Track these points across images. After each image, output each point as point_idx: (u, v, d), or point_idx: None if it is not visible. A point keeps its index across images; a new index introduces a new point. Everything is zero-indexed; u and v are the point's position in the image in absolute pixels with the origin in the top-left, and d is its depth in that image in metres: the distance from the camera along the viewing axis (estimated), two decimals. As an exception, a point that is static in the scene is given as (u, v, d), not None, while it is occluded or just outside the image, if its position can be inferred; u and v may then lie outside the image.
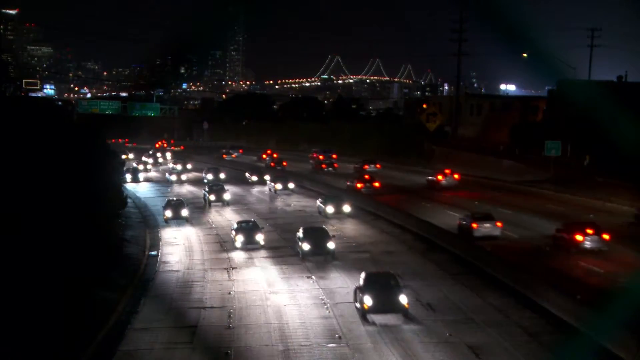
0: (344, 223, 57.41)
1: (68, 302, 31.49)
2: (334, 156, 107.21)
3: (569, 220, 48.96)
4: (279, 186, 77.05)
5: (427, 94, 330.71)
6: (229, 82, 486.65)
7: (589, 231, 42.74)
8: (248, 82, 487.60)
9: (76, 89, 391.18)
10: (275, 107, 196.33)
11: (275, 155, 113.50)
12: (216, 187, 72.63)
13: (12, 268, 28.67)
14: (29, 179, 32.51)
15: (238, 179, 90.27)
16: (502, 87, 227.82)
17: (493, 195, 67.75)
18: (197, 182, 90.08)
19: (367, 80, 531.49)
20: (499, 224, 48.59)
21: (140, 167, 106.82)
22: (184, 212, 61.31)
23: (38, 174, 33.02)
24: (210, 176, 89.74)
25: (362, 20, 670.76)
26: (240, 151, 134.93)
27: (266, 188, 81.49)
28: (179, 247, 50.68)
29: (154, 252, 48.47)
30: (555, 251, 43.60)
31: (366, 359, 27.84)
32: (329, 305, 34.86)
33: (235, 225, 50.14)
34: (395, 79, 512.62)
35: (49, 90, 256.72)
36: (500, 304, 34.13)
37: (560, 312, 30.49)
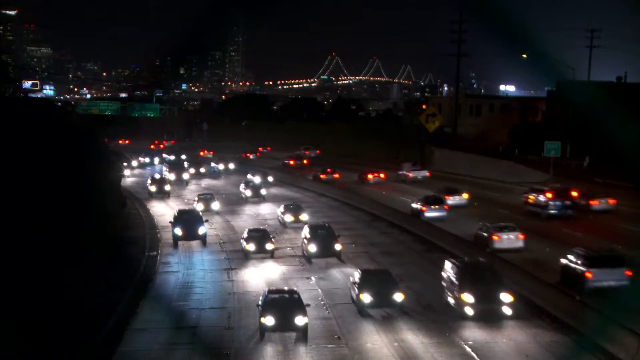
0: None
1: (67, 303, 31.49)
2: (318, 151, 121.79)
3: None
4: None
5: (426, 94, 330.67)
6: (229, 83, 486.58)
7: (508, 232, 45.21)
8: (248, 83, 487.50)
9: (76, 89, 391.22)
10: (274, 107, 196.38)
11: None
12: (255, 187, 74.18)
13: (11, 268, 28.67)
14: (26, 180, 32.51)
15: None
16: (502, 87, 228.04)
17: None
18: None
19: (366, 81, 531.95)
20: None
21: (127, 172, 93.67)
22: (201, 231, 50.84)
23: (35, 175, 33.03)
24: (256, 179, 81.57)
25: (362, 21, 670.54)
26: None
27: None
28: (178, 247, 50.58)
29: (153, 253, 48.42)
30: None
31: (366, 360, 27.87)
32: (328, 306, 34.88)
33: (246, 235, 46.73)
34: (395, 80, 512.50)
35: (49, 91, 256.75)
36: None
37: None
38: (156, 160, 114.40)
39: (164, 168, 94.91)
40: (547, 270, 38.04)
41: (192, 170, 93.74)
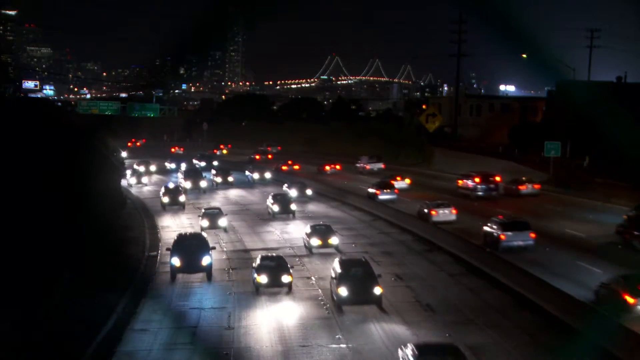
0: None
1: (67, 303, 31.50)
2: (279, 147, 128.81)
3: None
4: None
5: (426, 94, 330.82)
6: (229, 83, 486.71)
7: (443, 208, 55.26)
8: (247, 83, 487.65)
9: (76, 89, 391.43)
10: (274, 107, 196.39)
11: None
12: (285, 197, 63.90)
13: (10, 268, 28.68)
14: (25, 180, 32.50)
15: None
16: (502, 87, 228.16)
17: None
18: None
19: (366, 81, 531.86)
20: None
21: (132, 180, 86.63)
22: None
23: (34, 175, 33.02)
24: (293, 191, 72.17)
25: (362, 21, 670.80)
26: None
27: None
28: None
29: (153, 253, 48.42)
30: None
31: (365, 360, 27.56)
32: (328, 305, 34.87)
33: (258, 262, 38.01)
34: (395, 80, 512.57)
35: (49, 91, 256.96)
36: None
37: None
38: (183, 165, 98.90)
39: (179, 175, 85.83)
40: (474, 236, 47.03)
41: (218, 179, 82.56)
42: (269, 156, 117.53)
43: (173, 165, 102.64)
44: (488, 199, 65.27)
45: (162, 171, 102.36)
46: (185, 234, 45.59)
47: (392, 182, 71.37)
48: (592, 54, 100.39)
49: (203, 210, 57.70)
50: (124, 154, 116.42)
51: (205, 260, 40.24)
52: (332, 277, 35.42)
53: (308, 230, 47.97)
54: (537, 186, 68.54)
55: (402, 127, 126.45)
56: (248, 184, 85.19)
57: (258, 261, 38.22)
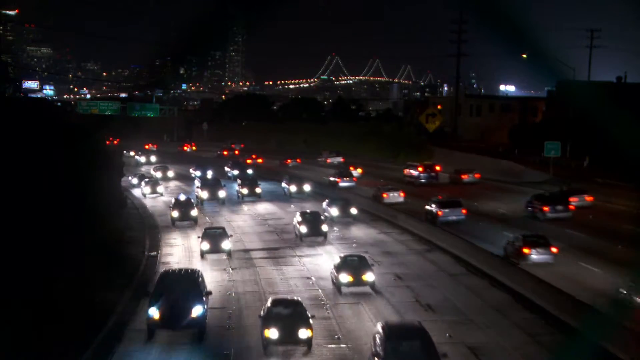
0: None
1: (67, 303, 31.49)
2: (242, 145, 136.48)
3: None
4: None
5: (426, 94, 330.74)
6: (229, 83, 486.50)
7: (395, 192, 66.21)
8: (247, 83, 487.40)
9: (76, 89, 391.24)
10: (274, 107, 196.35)
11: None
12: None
13: (10, 268, 28.67)
14: (24, 180, 32.48)
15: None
16: (502, 87, 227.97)
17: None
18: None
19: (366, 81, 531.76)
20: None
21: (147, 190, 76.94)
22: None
23: (33, 175, 33.00)
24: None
25: (362, 21, 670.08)
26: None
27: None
28: (178, 247, 50.61)
29: (153, 253, 48.42)
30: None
31: (365, 360, 27.24)
32: (328, 306, 34.86)
33: (267, 309, 29.94)
34: (395, 80, 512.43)
35: (49, 91, 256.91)
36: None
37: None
38: (209, 173, 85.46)
39: (196, 184, 74.26)
40: (418, 214, 57.01)
41: (244, 191, 71.06)
42: (236, 152, 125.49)
43: (198, 173, 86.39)
44: (430, 185, 75.89)
45: (184, 178, 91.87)
46: (173, 271, 34.83)
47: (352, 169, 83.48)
48: (592, 54, 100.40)
49: (204, 230, 48.59)
50: (153, 158, 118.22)
51: (196, 311, 30.12)
52: (373, 351, 26.15)
53: (337, 263, 38.29)
54: (477, 175, 77.91)
55: (402, 127, 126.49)
56: (282, 198, 72.68)
57: (267, 307, 30.00)
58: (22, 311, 27.94)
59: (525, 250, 40.94)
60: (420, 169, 79.50)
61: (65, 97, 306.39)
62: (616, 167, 64.44)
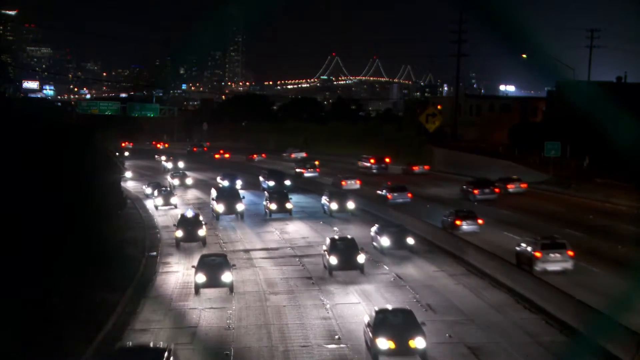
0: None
1: (67, 303, 31.49)
2: (208, 143, 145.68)
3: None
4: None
5: (426, 94, 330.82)
6: (229, 83, 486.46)
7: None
8: (247, 83, 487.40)
9: (76, 89, 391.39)
10: (274, 107, 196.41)
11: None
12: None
13: (10, 268, 28.67)
14: (21, 181, 32.46)
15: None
16: (502, 87, 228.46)
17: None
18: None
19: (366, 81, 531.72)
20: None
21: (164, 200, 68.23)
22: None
23: (33, 175, 32.99)
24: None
25: (362, 21, 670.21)
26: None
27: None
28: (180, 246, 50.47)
29: (153, 253, 48.42)
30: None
31: (366, 360, 26.70)
32: (328, 306, 34.86)
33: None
34: (395, 80, 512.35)
35: (49, 91, 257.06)
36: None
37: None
38: (238, 183, 76.56)
39: (212, 195, 63.15)
40: (371, 198, 66.26)
41: (273, 206, 60.29)
42: (205, 149, 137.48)
43: (226, 183, 75.68)
44: (381, 175, 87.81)
45: (205, 186, 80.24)
46: (131, 348, 27.06)
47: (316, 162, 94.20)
48: (592, 54, 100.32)
49: (199, 258, 39.60)
50: (180, 164, 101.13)
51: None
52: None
53: (372, 315, 28.48)
54: (427, 167, 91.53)
55: (402, 127, 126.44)
56: (320, 217, 60.67)
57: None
58: (22, 311, 27.93)
59: (457, 222, 50.01)
60: (372, 160, 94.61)
61: (65, 97, 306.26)
62: (616, 167, 64.47)
